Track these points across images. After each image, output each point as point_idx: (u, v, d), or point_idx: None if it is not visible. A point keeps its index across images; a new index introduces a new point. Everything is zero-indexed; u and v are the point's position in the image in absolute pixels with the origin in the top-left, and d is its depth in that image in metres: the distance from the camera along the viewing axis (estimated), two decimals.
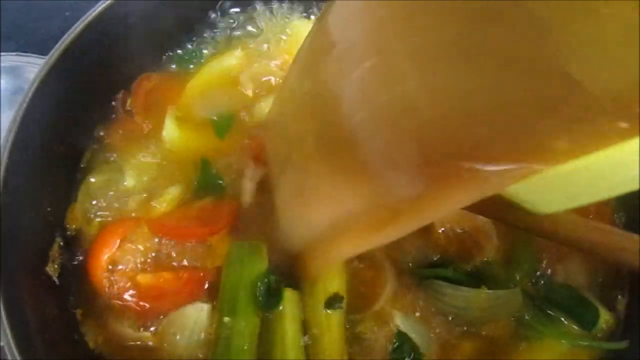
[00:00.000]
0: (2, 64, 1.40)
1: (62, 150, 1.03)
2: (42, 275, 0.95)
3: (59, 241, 1.00)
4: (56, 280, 0.97)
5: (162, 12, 1.13)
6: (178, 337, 0.91)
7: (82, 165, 1.09)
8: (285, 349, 0.87)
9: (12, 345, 0.76)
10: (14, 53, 1.45)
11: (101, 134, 1.13)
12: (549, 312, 0.98)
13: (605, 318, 0.99)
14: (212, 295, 0.94)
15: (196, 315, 0.91)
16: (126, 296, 0.94)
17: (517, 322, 0.97)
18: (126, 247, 0.98)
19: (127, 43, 1.10)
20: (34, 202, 0.95)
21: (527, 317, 0.97)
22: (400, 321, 0.94)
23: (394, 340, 0.93)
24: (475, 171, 0.52)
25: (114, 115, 1.15)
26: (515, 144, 0.52)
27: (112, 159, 1.11)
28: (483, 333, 0.96)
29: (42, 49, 1.42)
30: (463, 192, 0.54)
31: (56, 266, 0.98)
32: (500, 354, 0.95)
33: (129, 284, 0.95)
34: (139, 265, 0.97)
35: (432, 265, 0.99)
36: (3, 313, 0.77)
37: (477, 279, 0.96)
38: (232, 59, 1.19)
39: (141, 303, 0.94)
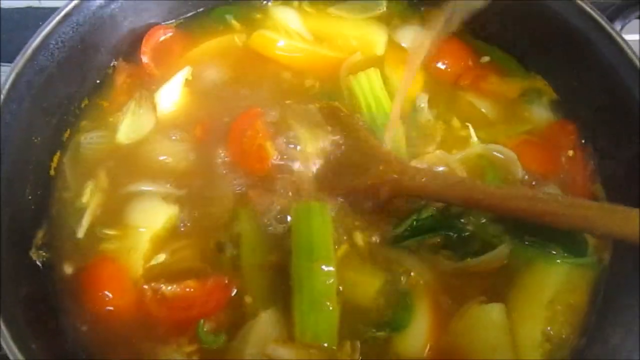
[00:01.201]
0: None
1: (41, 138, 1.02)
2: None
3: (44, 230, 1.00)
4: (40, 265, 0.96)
5: None
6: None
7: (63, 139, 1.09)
8: None
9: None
10: None
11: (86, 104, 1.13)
12: (537, 246, 1.01)
13: (592, 241, 1.01)
14: (238, 302, 0.94)
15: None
16: (154, 311, 0.93)
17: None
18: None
19: None
20: (15, 192, 0.95)
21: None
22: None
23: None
24: None
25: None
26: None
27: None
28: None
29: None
30: None
31: (42, 252, 0.97)
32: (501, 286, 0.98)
33: (154, 298, 0.93)
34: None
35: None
36: None
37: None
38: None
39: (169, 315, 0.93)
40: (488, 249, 0.99)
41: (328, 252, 0.94)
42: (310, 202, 1.00)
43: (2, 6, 1.69)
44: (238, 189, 1.03)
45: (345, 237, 1.00)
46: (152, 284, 0.94)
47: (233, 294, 0.95)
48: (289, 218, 1.00)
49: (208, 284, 0.94)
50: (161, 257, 0.97)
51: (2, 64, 1.45)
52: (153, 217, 1.00)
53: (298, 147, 1.08)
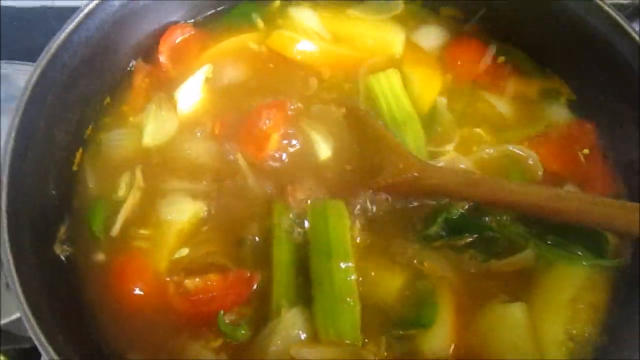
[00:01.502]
0: None
1: (64, 134, 1.03)
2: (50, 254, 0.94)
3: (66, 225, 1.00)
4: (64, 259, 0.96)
5: None
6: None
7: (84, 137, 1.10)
8: None
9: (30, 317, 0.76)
10: (3, 61, 1.46)
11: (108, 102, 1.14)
12: (558, 246, 1.01)
13: (613, 240, 1.01)
14: (260, 296, 0.94)
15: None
16: (177, 304, 0.93)
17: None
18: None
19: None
20: (39, 187, 0.95)
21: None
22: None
23: None
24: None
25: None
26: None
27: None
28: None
29: (30, 57, 1.44)
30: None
31: (65, 247, 0.98)
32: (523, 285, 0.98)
33: (178, 290, 0.94)
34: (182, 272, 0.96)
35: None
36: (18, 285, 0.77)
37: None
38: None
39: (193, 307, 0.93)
40: (511, 249, 1.00)
41: (345, 250, 0.94)
42: (325, 201, 1.00)
43: (16, 5, 1.71)
44: (268, 188, 1.03)
45: (366, 234, 1.00)
46: (175, 277, 0.94)
47: (255, 288, 0.95)
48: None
49: (229, 277, 0.94)
50: (185, 251, 0.98)
51: (16, 61, 1.46)
52: (179, 212, 1.00)
53: (316, 145, 1.08)
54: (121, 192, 1.03)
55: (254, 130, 1.05)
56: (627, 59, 1.06)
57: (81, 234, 1.00)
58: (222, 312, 0.91)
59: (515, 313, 0.95)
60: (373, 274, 0.97)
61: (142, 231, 1.00)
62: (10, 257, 0.81)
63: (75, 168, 1.06)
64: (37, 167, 0.94)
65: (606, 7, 1.07)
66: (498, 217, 1.02)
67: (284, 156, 1.07)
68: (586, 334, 0.97)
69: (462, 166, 1.07)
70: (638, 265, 1.02)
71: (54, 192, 0.98)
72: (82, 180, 1.06)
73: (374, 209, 1.02)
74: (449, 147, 1.11)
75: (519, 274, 0.99)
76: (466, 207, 1.02)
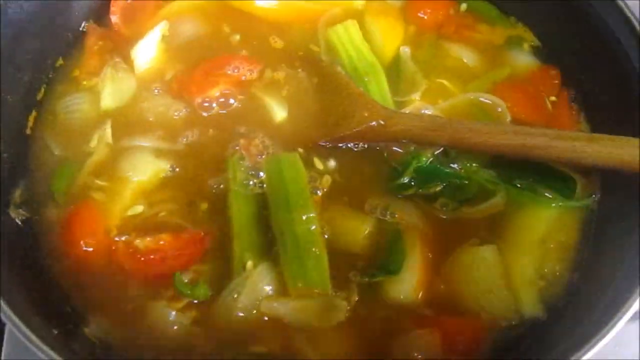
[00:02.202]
0: None
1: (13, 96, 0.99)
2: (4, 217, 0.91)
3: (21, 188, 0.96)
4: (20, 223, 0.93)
5: None
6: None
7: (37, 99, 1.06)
8: None
9: None
10: None
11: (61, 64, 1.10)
12: (527, 189, 1.01)
13: (582, 182, 1.01)
14: (221, 253, 0.91)
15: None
16: (126, 263, 0.90)
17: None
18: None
19: None
20: None
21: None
22: None
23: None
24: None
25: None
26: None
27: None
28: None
29: None
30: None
31: (21, 211, 0.94)
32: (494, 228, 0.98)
33: (127, 249, 0.90)
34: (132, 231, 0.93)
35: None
36: None
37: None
38: None
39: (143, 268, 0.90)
40: (481, 194, 0.99)
41: (305, 201, 0.92)
42: (279, 155, 0.99)
43: None
44: (230, 144, 1.01)
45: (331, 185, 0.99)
46: (125, 236, 0.92)
47: (216, 245, 0.93)
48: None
49: (182, 237, 0.92)
50: (139, 209, 0.95)
51: None
52: (141, 169, 0.98)
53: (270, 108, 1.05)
54: (88, 150, 1.01)
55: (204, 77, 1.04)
56: (589, 1, 1.05)
57: (39, 197, 0.97)
58: (178, 272, 0.89)
59: (486, 255, 0.95)
60: (340, 223, 0.95)
61: (98, 182, 0.97)
62: None
63: (28, 132, 1.02)
64: None
65: None
66: (467, 164, 1.02)
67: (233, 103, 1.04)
68: (557, 273, 0.98)
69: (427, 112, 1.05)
70: (606, 204, 1.02)
71: (5, 155, 0.94)
72: (39, 143, 1.02)
73: (338, 159, 1.01)
74: (415, 97, 1.09)
75: (490, 217, 0.99)
76: (435, 153, 1.01)
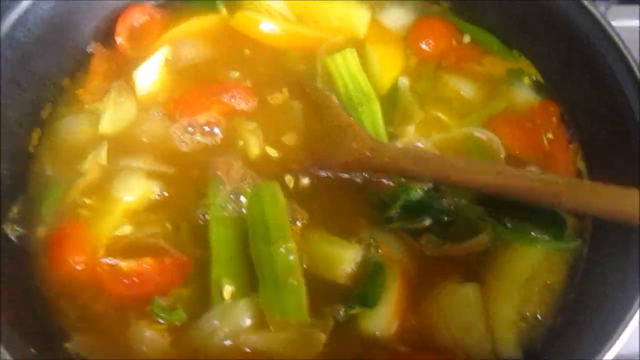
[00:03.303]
0: None
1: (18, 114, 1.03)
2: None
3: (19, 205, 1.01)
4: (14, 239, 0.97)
5: None
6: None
7: (42, 117, 1.10)
8: None
9: None
10: None
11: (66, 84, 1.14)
12: (516, 228, 1.00)
13: (572, 223, 1.00)
14: (197, 281, 0.94)
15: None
16: (109, 284, 0.93)
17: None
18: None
19: None
20: None
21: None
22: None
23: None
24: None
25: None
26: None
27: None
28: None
29: None
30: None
31: (16, 227, 0.98)
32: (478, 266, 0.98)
33: (111, 271, 0.93)
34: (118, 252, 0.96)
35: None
36: None
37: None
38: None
39: (125, 290, 0.93)
40: (468, 230, 0.99)
41: (283, 232, 0.94)
42: (259, 183, 1.00)
43: None
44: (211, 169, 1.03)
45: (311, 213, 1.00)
46: (109, 258, 0.94)
47: (196, 269, 0.95)
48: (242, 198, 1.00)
49: (165, 261, 0.94)
50: (127, 229, 0.98)
51: None
52: (131, 190, 1.00)
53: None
54: (81, 170, 1.04)
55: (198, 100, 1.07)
56: (591, 40, 1.04)
57: (32, 215, 1.01)
58: (156, 297, 0.91)
59: (467, 293, 0.95)
60: (321, 252, 0.96)
61: (87, 200, 1.00)
62: None
63: (31, 150, 1.06)
64: None
65: None
66: (456, 199, 1.02)
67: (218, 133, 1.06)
68: (539, 316, 0.97)
69: (419, 145, 1.06)
70: (594, 244, 1.00)
71: (5, 172, 0.98)
72: (38, 162, 1.06)
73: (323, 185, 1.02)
74: (410, 129, 1.09)
75: (474, 254, 0.99)
76: (425, 189, 1.01)
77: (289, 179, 1.03)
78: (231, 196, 0.99)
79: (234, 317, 0.90)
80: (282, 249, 0.92)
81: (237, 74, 1.14)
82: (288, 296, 0.90)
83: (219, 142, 1.07)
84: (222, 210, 0.98)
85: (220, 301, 0.92)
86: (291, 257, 0.92)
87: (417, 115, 1.11)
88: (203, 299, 0.92)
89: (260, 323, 0.91)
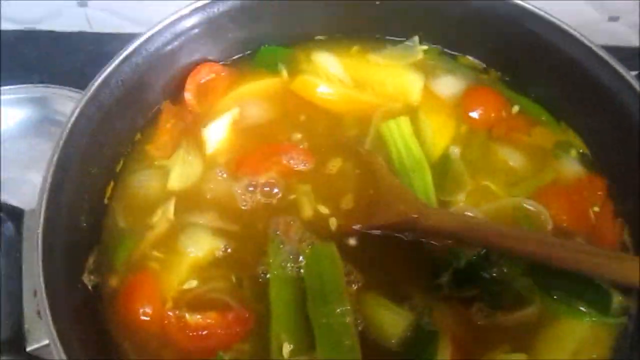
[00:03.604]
0: (29, 95, 1.52)
1: (97, 169, 1.10)
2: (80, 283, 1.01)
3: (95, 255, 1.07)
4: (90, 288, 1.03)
5: None
6: None
7: (117, 170, 1.17)
8: None
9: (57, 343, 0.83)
10: (41, 85, 1.55)
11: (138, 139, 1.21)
12: (563, 301, 1.04)
13: (618, 298, 1.03)
14: (259, 335, 0.98)
15: None
16: (175, 335, 0.97)
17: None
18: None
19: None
20: (73, 220, 1.02)
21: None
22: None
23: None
24: None
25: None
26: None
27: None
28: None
29: (67, 81, 1.53)
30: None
31: (92, 277, 1.04)
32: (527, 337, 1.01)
33: (178, 323, 0.98)
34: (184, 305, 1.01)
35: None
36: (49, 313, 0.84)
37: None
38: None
39: (190, 342, 0.97)
40: (517, 301, 1.03)
41: (340, 294, 0.98)
42: (317, 245, 1.04)
43: (57, 29, 1.80)
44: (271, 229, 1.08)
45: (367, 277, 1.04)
46: (177, 312, 0.99)
47: (258, 326, 0.99)
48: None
49: (229, 316, 0.98)
50: (194, 283, 1.03)
51: (56, 86, 1.55)
52: (197, 245, 1.06)
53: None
54: (151, 224, 1.10)
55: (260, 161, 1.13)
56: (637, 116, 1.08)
57: (106, 264, 1.07)
58: (221, 352, 0.95)
59: None
60: (376, 316, 1.00)
61: (157, 254, 1.06)
62: (43, 287, 0.87)
63: (106, 202, 1.13)
64: (72, 200, 1.01)
65: (619, 68, 1.11)
66: (505, 270, 1.05)
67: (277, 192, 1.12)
68: None
69: (469, 214, 1.10)
70: None
71: (85, 224, 1.05)
72: (111, 214, 1.12)
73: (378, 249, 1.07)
74: (460, 197, 1.14)
75: (523, 325, 1.02)
76: (474, 257, 1.05)
77: (347, 240, 1.07)
78: (290, 256, 1.04)
79: None
80: (338, 310, 0.96)
81: (299, 136, 1.20)
82: (343, 356, 0.94)
83: (277, 201, 1.12)
84: (281, 269, 1.03)
85: (280, 358, 0.96)
86: (347, 319, 0.96)
87: (467, 184, 1.16)
88: (264, 355, 0.96)
89: None
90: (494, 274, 1.05)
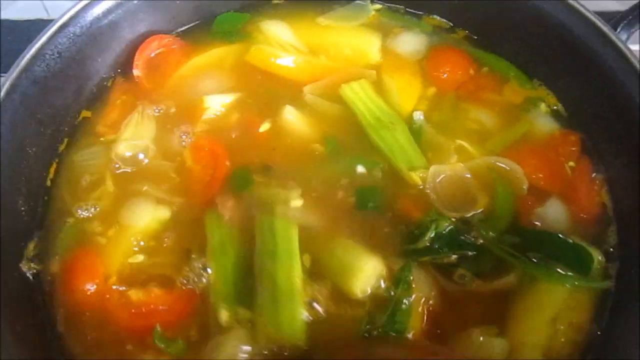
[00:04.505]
0: None
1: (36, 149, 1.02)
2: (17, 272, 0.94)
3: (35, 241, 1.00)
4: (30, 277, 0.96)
5: None
6: None
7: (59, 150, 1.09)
8: None
9: None
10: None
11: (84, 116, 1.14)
12: (542, 264, 0.97)
13: (598, 259, 0.98)
14: (204, 312, 0.92)
15: None
16: (117, 313, 0.92)
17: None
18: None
19: None
20: (9, 204, 0.95)
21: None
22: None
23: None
24: None
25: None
26: None
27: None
28: None
29: None
30: None
31: (32, 265, 0.97)
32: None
33: (120, 300, 0.93)
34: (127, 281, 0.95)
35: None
36: None
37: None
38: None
39: (132, 320, 0.92)
40: (497, 268, 0.97)
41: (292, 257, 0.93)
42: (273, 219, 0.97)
43: (10, 17, 1.72)
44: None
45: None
46: (120, 287, 0.94)
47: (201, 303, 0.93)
48: None
49: (174, 293, 0.93)
50: (140, 258, 0.97)
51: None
52: (140, 216, 1.00)
53: None
54: (95, 199, 1.04)
55: None
56: (613, 69, 1.03)
57: (48, 249, 0.99)
58: (158, 326, 0.90)
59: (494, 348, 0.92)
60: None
61: (101, 228, 1.00)
62: None
63: (49, 183, 1.06)
64: (7, 183, 0.94)
65: (592, 17, 1.05)
66: (483, 232, 0.99)
67: None
68: (566, 356, 0.93)
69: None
70: (623, 286, 0.97)
71: (23, 208, 0.98)
72: (54, 195, 1.05)
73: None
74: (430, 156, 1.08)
75: (502, 294, 0.96)
76: (454, 219, 1.00)
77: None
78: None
79: (234, 347, 0.88)
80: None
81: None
82: (285, 312, 0.89)
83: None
84: (219, 241, 0.97)
85: (218, 328, 0.90)
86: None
87: (438, 145, 1.09)
88: (204, 329, 0.91)
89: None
90: (474, 237, 0.99)
